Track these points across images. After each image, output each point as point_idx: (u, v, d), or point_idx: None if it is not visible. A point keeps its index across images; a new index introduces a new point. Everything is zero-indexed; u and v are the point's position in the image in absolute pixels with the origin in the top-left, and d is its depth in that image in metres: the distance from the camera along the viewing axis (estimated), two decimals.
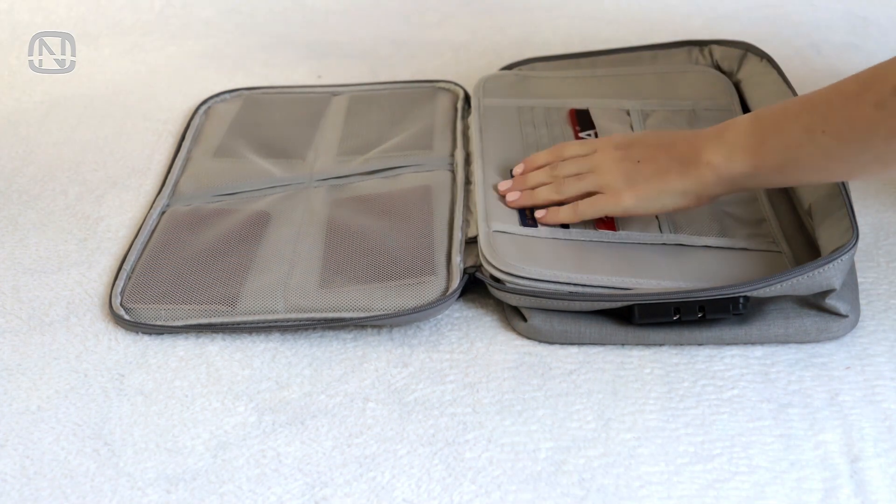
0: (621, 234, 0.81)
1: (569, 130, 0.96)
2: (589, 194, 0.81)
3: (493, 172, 0.89)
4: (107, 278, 0.85)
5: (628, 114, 0.98)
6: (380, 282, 0.79)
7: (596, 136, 0.94)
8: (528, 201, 0.84)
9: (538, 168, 0.86)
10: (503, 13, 1.34)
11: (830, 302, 0.73)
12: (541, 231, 0.81)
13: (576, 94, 1.02)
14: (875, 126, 0.65)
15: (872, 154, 0.66)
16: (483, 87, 1.03)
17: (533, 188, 0.84)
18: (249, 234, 0.86)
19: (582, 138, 0.94)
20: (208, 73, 1.20)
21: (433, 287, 0.78)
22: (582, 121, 0.97)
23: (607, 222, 0.82)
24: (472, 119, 0.98)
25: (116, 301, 0.80)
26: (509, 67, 1.09)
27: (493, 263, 0.77)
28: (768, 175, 0.73)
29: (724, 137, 0.74)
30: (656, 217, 0.82)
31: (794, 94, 0.91)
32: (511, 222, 0.82)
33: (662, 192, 0.77)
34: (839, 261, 0.71)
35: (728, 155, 0.73)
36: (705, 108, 0.97)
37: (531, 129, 0.96)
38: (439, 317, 0.79)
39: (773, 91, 0.94)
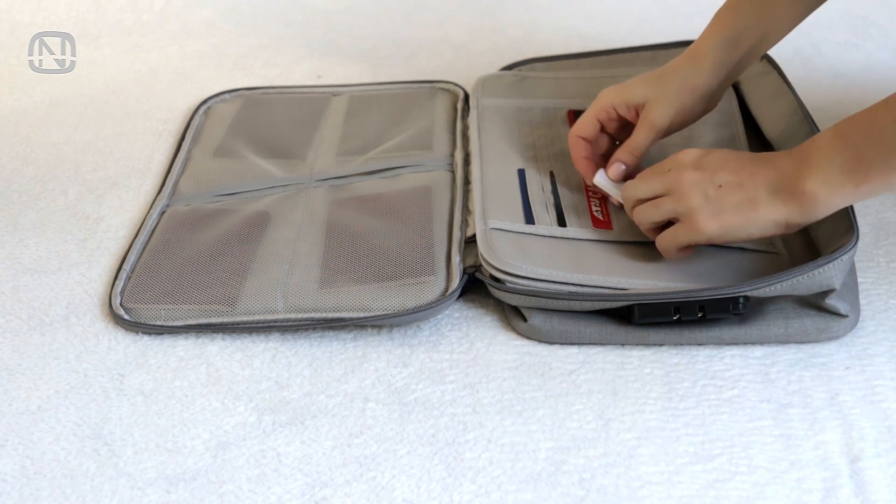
0: (618, 234, 0.81)
1: (567, 131, 0.96)
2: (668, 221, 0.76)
3: (492, 171, 0.89)
4: (107, 278, 0.85)
5: None
6: (379, 282, 0.79)
7: None
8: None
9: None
10: (503, 13, 1.34)
11: (830, 302, 0.73)
12: (538, 229, 0.82)
13: (575, 94, 1.02)
14: None
15: None
16: (482, 87, 1.03)
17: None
18: (249, 235, 0.86)
19: None
20: (208, 73, 1.20)
21: (433, 287, 0.78)
22: None
23: (604, 221, 0.82)
24: (471, 118, 0.98)
25: (116, 301, 0.80)
26: (509, 67, 1.09)
27: (490, 261, 0.77)
28: (871, 191, 0.68)
29: (812, 161, 0.69)
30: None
31: (794, 93, 0.91)
32: (508, 219, 0.82)
33: (751, 221, 0.71)
34: (839, 261, 0.71)
35: (825, 181, 0.68)
36: None
37: (529, 128, 0.96)
38: (439, 317, 0.79)
39: (772, 91, 0.94)
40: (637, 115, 0.84)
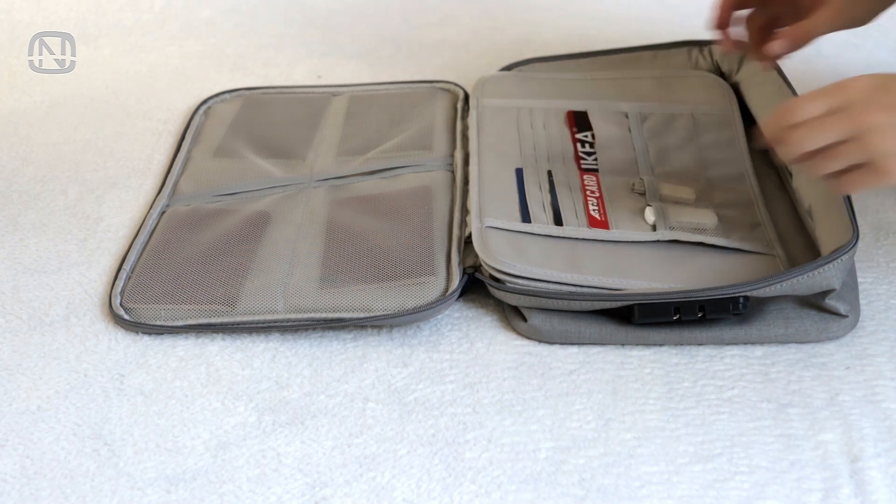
0: (615, 233, 0.81)
1: (566, 131, 0.96)
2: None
3: (490, 170, 0.89)
4: (107, 278, 0.85)
5: (626, 116, 0.98)
6: (379, 282, 0.79)
7: (593, 137, 0.94)
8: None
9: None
10: (503, 13, 1.34)
11: (830, 302, 0.73)
12: (534, 227, 0.82)
13: (575, 95, 1.02)
14: None
15: None
16: (482, 87, 1.03)
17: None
18: (249, 234, 0.86)
19: (579, 140, 0.94)
20: (208, 73, 1.20)
21: (433, 287, 0.78)
22: (580, 122, 0.97)
23: (601, 221, 0.82)
24: (471, 119, 0.98)
25: (116, 301, 0.80)
26: (509, 68, 1.09)
27: (485, 260, 0.77)
28: None
29: None
30: (653, 216, 0.82)
31: (795, 94, 0.91)
32: (504, 217, 0.82)
33: None
34: (839, 261, 0.71)
35: None
36: (704, 113, 0.97)
37: (529, 128, 0.96)
38: (439, 317, 0.79)
39: (772, 91, 0.94)
40: None
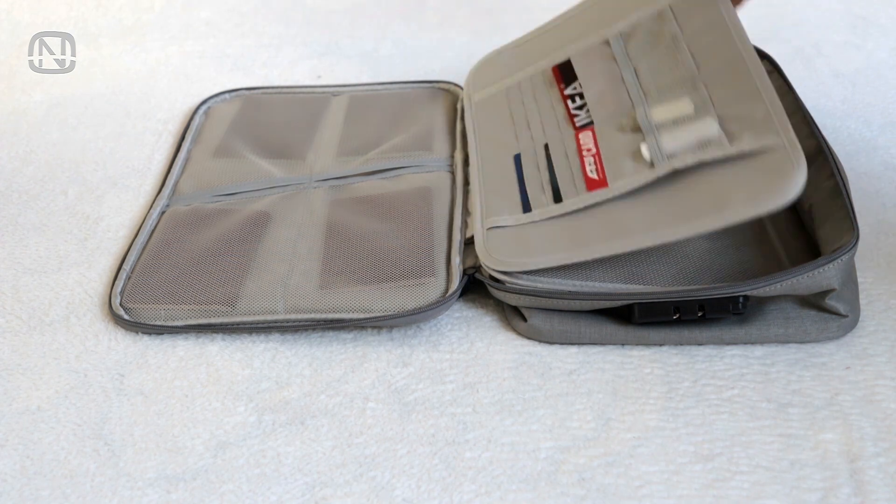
0: (615, 188, 0.78)
1: (555, 92, 0.93)
2: None
3: (489, 168, 0.89)
4: (107, 278, 0.85)
5: (608, 44, 0.92)
6: (379, 283, 0.79)
7: (581, 86, 0.91)
8: None
9: None
10: (503, 14, 1.34)
11: (830, 302, 0.73)
12: (534, 216, 0.81)
13: (554, 46, 0.98)
14: None
15: None
16: (472, 82, 1.03)
17: None
18: (249, 235, 0.86)
19: (568, 96, 0.92)
20: (208, 73, 1.20)
21: (433, 288, 0.78)
22: (566, 75, 0.94)
23: (599, 180, 0.81)
24: (467, 118, 0.98)
25: (116, 301, 0.80)
26: None
27: (487, 263, 0.77)
28: None
29: None
30: (648, 152, 0.79)
31: (795, 95, 0.91)
32: (506, 212, 0.82)
33: None
34: (839, 260, 0.71)
35: None
36: (683, 0, 0.89)
37: (520, 106, 0.95)
38: (439, 317, 0.79)
39: None
40: None
